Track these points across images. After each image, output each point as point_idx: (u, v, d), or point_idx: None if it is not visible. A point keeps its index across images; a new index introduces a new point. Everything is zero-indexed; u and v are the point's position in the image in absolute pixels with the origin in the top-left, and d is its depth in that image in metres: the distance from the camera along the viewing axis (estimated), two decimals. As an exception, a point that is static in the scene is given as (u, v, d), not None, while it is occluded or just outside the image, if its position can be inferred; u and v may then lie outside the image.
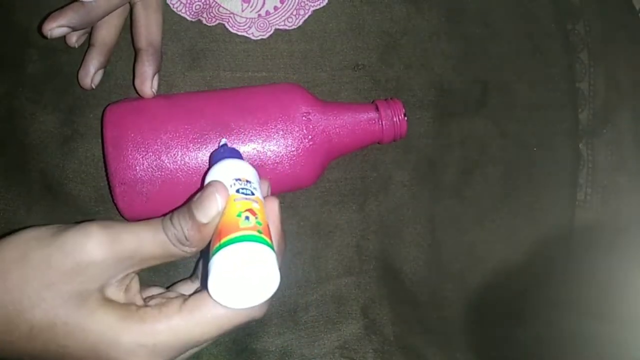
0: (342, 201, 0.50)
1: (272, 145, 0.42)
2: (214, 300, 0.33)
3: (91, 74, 0.44)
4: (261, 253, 0.33)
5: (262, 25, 0.49)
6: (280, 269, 0.34)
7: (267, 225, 0.35)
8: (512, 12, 0.55)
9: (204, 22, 0.48)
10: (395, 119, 0.45)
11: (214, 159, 0.39)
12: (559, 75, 0.56)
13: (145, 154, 0.41)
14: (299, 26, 0.49)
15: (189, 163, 0.41)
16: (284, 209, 0.48)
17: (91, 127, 0.46)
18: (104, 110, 0.43)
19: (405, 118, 0.45)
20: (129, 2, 0.44)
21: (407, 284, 0.51)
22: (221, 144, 0.41)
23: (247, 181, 0.36)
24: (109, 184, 0.42)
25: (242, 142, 0.42)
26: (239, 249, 0.32)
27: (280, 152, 0.43)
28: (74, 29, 0.42)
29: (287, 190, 0.46)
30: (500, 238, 0.53)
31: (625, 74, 0.57)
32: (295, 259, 0.49)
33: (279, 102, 0.44)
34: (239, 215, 0.34)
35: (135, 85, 0.44)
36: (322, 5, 0.49)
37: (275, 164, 0.43)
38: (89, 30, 0.45)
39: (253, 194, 0.36)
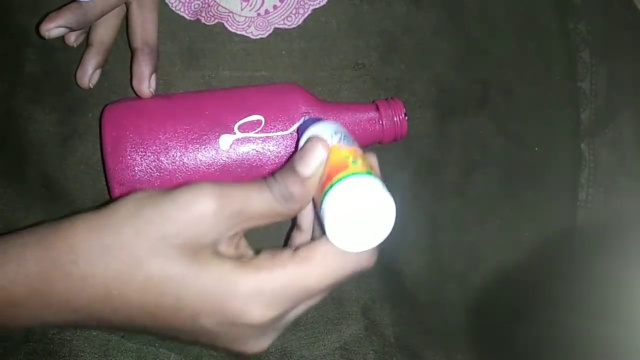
0: (342, 201, 0.50)
1: (272, 145, 0.42)
2: (331, 242, 0.33)
3: (89, 73, 0.44)
4: (376, 186, 0.33)
5: (261, 24, 0.48)
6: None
7: (373, 167, 0.35)
8: (513, 11, 0.54)
9: (203, 21, 0.48)
10: (395, 119, 0.45)
11: (301, 131, 0.39)
12: (561, 75, 0.55)
13: (144, 155, 0.41)
14: (299, 25, 0.49)
15: (187, 164, 0.41)
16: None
17: (90, 126, 0.46)
18: (102, 111, 0.42)
19: (406, 118, 0.45)
20: (125, 2, 0.44)
21: (408, 284, 0.51)
22: (305, 119, 0.42)
23: (347, 135, 0.37)
24: (107, 184, 0.42)
25: (241, 143, 0.42)
26: (354, 182, 0.32)
27: (280, 152, 0.42)
28: (72, 29, 0.42)
29: (286, 190, 0.46)
30: (501, 238, 0.53)
31: (627, 74, 0.57)
32: (295, 260, 0.49)
33: (278, 101, 0.43)
34: (347, 158, 0.34)
35: (132, 85, 0.44)
36: (322, 4, 0.49)
37: (275, 165, 0.43)
38: (87, 30, 0.45)
39: (353, 145, 0.36)
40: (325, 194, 0.33)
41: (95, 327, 0.36)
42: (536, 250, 0.54)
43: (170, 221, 0.33)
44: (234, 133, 0.42)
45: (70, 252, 0.33)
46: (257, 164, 0.42)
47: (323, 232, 0.33)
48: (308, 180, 0.34)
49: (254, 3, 0.48)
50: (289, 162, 0.35)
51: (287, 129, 0.43)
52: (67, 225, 0.34)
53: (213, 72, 0.48)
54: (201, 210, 0.33)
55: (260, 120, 0.42)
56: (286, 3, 0.49)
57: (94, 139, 0.46)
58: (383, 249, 0.50)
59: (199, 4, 0.47)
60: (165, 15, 0.47)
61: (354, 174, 0.33)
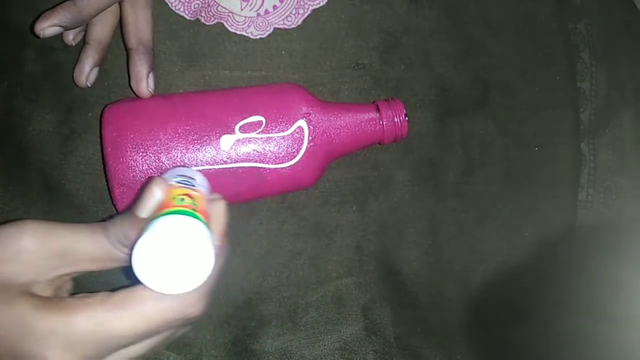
0: (342, 201, 0.50)
1: (273, 146, 0.42)
2: (140, 280, 0.31)
3: (86, 72, 0.44)
4: (191, 224, 0.31)
5: (261, 24, 0.48)
6: (222, 270, 0.32)
7: (206, 213, 0.34)
8: (513, 11, 0.54)
9: (203, 21, 0.48)
10: (396, 120, 0.45)
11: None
12: (561, 75, 0.55)
13: (145, 155, 0.41)
14: (299, 25, 0.49)
15: (188, 164, 0.41)
16: (283, 209, 0.48)
17: (90, 126, 0.46)
18: (102, 111, 0.42)
19: (406, 118, 0.45)
20: (118, 2, 0.44)
21: (408, 284, 0.51)
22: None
23: (191, 178, 0.35)
24: (107, 185, 0.41)
25: (242, 144, 0.42)
26: (168, 219, 0.30)
27: (281, 153, 0.42)
28: (67, 28, 0.42)
29: (287, 190, 0.46)
30: (501, 238, 0.53)
31: (627, 74, 0.57)
32: (295, 260, 0.49)
33: (279, 102, 0.43)
34: (174, 197, 0.33)
35: (131, 86, 0.44)
36: (321, 4, 0.49)
37: (276, 165, 0.42)
38: (85, 28, 0.45)
39: (194, 186, 0.34)
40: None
41: None
42: (536, 250, 0.54)
43: None
44: (235, 133, 0.42)
45: None
46: (257, 164, 0.42)
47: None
48: (143, 222, 0.32)
49: (253, 3, 0.48)
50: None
51: (287, 130, 0.43)
52: None
53: (213, 72, 0.48)
54: (18, 247, 0.32)
55: (261, 121, 0.42)
56: (286, 3, 0.48)
57: (94, 139, 0.46)
58: (384, 250, 0.50)
59: (198, 4, 0.47)
60: (165, 15, 0.47)
61: (172, 212, 0.31)
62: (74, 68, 0.45)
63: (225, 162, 0.42)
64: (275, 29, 0.48)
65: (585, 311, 0.52)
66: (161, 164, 0.41)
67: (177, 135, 0.41)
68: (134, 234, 0.32)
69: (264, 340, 0.48)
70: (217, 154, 0.41)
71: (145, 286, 0.31)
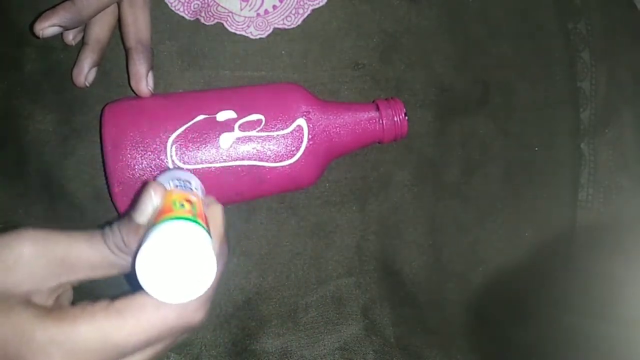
0: (342, 201, 0.50)
1: (272, 144, 0.42)
2: (148, 293, 0.30)
3: (85, 72, 0.44)
4: (194, 232, 0.30)
5: (260, 24, 0.48)
6: (221, 273, 0.32)
7: (205, 217, 0.33)
8: (513, 11, 0.54)
9: (203, 21, 0.48)
10: (395, 119, 0.45)
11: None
12: (561, 75, 0.55)
13: (144, 154, 0.41)
14: (298, 25, 0.49)
15: (188, 162, 0.41)
16: (283, 209, 0.48)
17: (90, 126, 0.46)
18: (102, 110, 0.42)
19: (406, 118, 0.45)
20: (117, 1, 0.44)
21: (408, 284, 0.51)
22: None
23: (188, 182, 0.35)
24: (107, 183, 0.41)
25: (241, 142, 0.42)
26: (170, 226, 0.30)
27: (280, 152, 0.42)
28: (66, 28, 0.42)
29: (287, 189, 0.46)
30: (501, 238, 0.53)
31: (627, 73, 0.57)
32: (295, 260, 0.49)
33: (278, 101, 0.43)
34: (174, 202, 0.32)
35: (131, 85, 0.44)
36: (321, 4, 0.49)
37: (275, 163, 0.42)
38: (84, 29, 0.45)
39: (192, 190, 0.34)
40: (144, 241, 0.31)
41: None
42: (536, 250, 0.54)
43: None
44: (235, 132, 0.42)
45: None
46: (257, 162, 0.42)
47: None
48: (142, 228, 0.32)
49: (253, 3, 0.48)
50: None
51: (287, 128, 0.43)
52: None
53: (213, 72, 0.48)
54: (17, 256, 0.32)
55: (261, 120, 0.42)
56: (285, 3, 0.49)
57: (94, 138, 0.46)
58: (384, 250, 0.50)
59: (198, 4, 0.47)
60: (165, 15, 0.47)
61: (173, 218, 0.31)
62: (73, 62, 0.45)
63: (225, 161, 0.42)
64: (275, 29, 0.49)
65: (585, 311, 0.52)
66: (161, 162, 0.41)
67: (176, 133, 0.41)
68: (133, 240, 0.32)
69: (264, 340, 0.48)
70: (216, 152, 0.41)
71: (146, 294, 0.31)
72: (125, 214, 0.33)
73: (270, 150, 0.42)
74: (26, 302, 0.32)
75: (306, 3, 0.49)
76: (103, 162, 0.42)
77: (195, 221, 0.31)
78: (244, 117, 0.42)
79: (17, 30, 0.47)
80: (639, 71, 0.57)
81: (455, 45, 0.52)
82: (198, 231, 0.31)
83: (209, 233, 0.32)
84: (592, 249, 0.55)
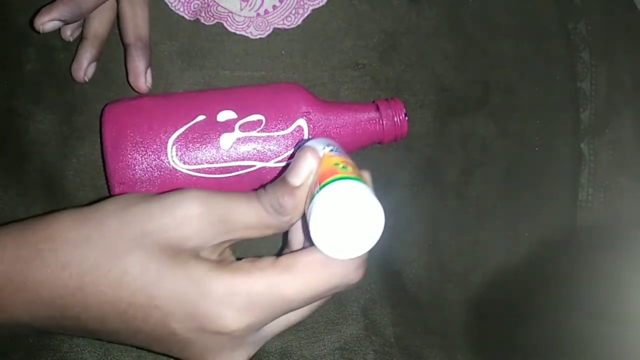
0: (342, 201, 0.50)
1: (273, 144, 0.42)
2: (316, 250, 0.32)
3: (84, 67, 0.44)
4: (363, 190, 0.32)
5: (260, 24, 0.48)
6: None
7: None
8: (513, 11, 0.54)
9: (202, 21, 0.48)
10: (396, 119, 0.45)
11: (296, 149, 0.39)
12: (561, 75, 0.55)
13: (145, 154, 0.41)
14: (298, 25, 0.49)
15: (188, 163, 0.41)
16: (284, 209, 0.48)
17: (90, 126, 0.46)
18: (102, 110, 0.42)
19: (406, 118, 0.45)
20: None
21: (408, 284, 0.51)
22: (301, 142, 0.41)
23: (339, 148, 0.37)
24: (107, 183, 0.41)
25: (242, 142, 0.42)
26: (341, 185, 0.32)
27: (281, 152, 0.42)
28: (66, 23, 0.42)
29: (286, 190, 0.46)
30: (501, 238, 0.53)
31: (627, 73, 0.57)
32: (295, 260, 0.49)
33: (279, 101, 0.43)
34: (336, 164, 0.33)
35: (129, 82, 0.44)
36: (321, 4, 0.49)
37: (275, 163, 0.43)
38: (82, 24, 0.45)
39: (344, 155, 0.35)
40: (312, 198, 0.32)
41: (68, 328, 0.35)
42: (536, 250, 0.53)
43: (154, 219, 0.33)
44: (235, 132, 0.42)
45: (49, 240, 0.33)
46: (257, 162, 0.42)
47: (311, 242, 0.33)
48: (298, 190, 0.33)
49: (253, 3, 0.48)
50: (280, 175, 0.35)
51: (287, 129, 0.43)
52: (52, 217, 0.34)
53: (213, 72, 0.48)
54: (185, 213, 0.33)
55: (261, 120, 0.42)
56: (285, 3, 0.49)
57: (94, 138, 0.46)
58: (384, 250, 0.50)
59: (198, 4, 0.47)
60: (165, 15, 0.47)
61: (342, 178, 0.32)
62: (71, 63, 0.45)
63: (226, 161, 0.42)
64: (275, 29, 0.49)
65: (585, 311, 0.52)
66: (161, 162, 0.41)
67: (177, 134, 0.41)
68: (289, 202, 0.33)
69: (264, 340, 0.48)
70: (217, 153, 0.41)
71: (312, 251, 0.32)
72: (278, 176, 0.34)
73: (270, 150, 0.42)
74: (198, 256, 0.33)
75: (306, 3, 0.49)
76: (103, 162, 0.42)
77: (359, 179, 0.33)
78: (244, 117, 0.42)
79: (17, 30, 0.47)
80: (639, 71, 0.57)
81: (455, 45, 0.52)
82: (365, 189, 0.32)
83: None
84: (592, 249, 0.55)
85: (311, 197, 0.33)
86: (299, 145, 0.39)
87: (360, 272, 0.34)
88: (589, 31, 0.56)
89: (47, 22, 0.41)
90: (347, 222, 0.31)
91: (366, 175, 0.36)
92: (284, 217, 0.34)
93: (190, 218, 0.33)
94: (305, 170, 0.33)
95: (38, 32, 0.41)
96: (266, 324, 0.34)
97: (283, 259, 0.33)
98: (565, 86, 0.56)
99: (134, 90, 0.44)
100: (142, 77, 0.44)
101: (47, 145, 0.46)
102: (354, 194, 0.31)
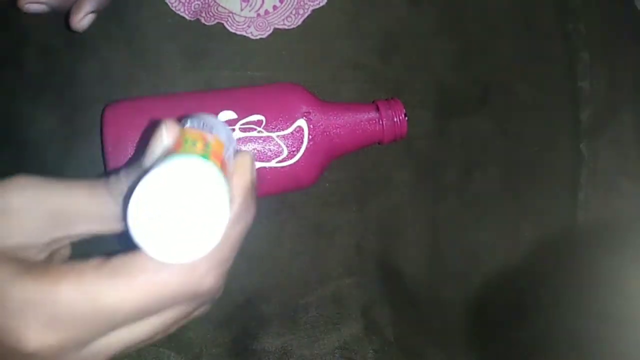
0: (342, 201, 0.50)
1: (273, 144, 0.42)
2: (137, 242, 0.24)
3: (82, 13, 0.41)
4: (202, 171, 0.24)
5: (261, 24, 0.48)
6: (242, 235, 0.27)
7: (224, 162, 0.27)
8: (513, 11, 0.54)
9: (203, 21, 0.48)
10: (395, 119, 0.45)
11: None
12: (560, 75, 0.55)
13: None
14: (299, 25, 0.49)
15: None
16: (283, 209, 0.48)
17: (90, 126, 0.46)
18: (103, 110, 0.42)
19: (406, 118, 0.45)
20: None
21: (408, 284, 0.51)
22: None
23: (211, 126, 0.29)
24: (107, 184, 0.41)
25: (242, 142, 0.42)
26: (173, 163, 0.24)
27: (280, 152, 0.42)
28: (51, 5, 0.40)
29: (287, 190, 0.46)
30: (501, 238, 0.53)
31: (627, 74, 0.57)
32: (295, 260, 0.49)
33: (279, 101, 0.43)
34: (185, 141, 0.27)
35: (68, 20, 0.41)
36: (321, 4, 0.49)
37: (275, 163, 0.43)
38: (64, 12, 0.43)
39: (212, 134, 0.28)
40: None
41: None
42: (536, 250, 0.53)
43: None
44: (235, 132, 0.42)
45: None
46: (257, 163, 0.42)
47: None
48: None
49: (253, 3, 0.48)
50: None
51: (287, 129, 0.43)
52: None
53: (213, 72, 0.48)
54: (5, 206, 0.28)
55: (261, 120, 0.42)
56: (286, 3, 0.49)
57: (95, 138, 0.46)
58: (383, 250, 0.50)
59: (199, 4, 0.47)
60: (165, 16, 0.47)
61: (179, 155, 0.25)
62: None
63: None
64: (275, 29, 0.49)
65: (585, 311, 0.52)
66: (161, 163, 0.41)
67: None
68: None
69: (264, 340, 0.48)
70: (217, 154, 0.41)
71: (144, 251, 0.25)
72: (133, 159, 0.29)
73: (270, 150, 0.42)
74: (11, 257, 0.27)
75: (306, 3, 0.49)
76: (103, 162, 0.42)
77: (206, 158, 0.25)
78: (245, 117, 0.42)
79: (17, 30, 0.47)
80: (639, 71, 0.57)
81: (455, 45, 0.52)
82: (208, 170, 0.25)
83: (226, 177, 0.26)
84: (591, 249, 0.55)
85: None
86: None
87: (210, 279, 0.27)
88: (589, 31, 0.56)
89: (82, 18, 0.40)
90: (175, 213, 0.24)
91: (244, 158, 0.29)
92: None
93: (10, 212, 0.27)
94: (158, 149, 0.27)
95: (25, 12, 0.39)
96: (89, 341, 0.26)
97: (113, 260, 0.26)
98: (565, 86, 0.56)
99: (71, 29, 0.42)
100: (79, 15, 0.40)
101: (47, 145, 0.46)
102: (184, 175, 0.24)
